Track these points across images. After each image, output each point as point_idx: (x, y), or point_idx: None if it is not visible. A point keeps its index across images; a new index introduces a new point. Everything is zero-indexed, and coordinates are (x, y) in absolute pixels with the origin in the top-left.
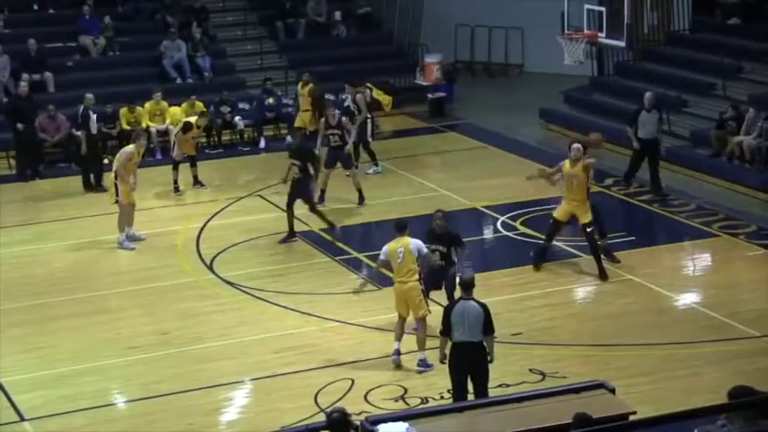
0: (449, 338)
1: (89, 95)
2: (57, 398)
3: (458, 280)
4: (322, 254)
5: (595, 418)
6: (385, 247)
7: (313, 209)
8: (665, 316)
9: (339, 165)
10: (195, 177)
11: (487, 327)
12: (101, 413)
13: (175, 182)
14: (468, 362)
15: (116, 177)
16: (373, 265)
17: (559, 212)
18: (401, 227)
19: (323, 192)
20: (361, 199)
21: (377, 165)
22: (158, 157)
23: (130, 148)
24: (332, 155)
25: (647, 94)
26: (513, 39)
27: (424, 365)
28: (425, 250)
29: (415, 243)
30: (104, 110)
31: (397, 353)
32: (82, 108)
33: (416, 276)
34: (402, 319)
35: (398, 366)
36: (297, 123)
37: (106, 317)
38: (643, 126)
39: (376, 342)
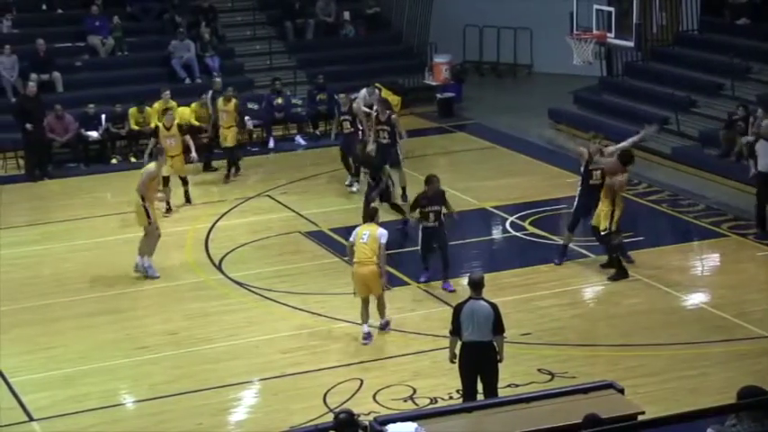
0: (458, 338)
1: (217, 79)
2: (65, 398)
3: (467, 280)
4: (330, 254)
5: (604, 418)
6: (354, 230)
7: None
8: (674, 316)
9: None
10: (186, 194)
11: (497, 326)
12: (109, 413)
13: (167, 202)
14: (478, 361)
15: (143, 200)
16: (347, 243)
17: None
18: (371, 215)
19: (403, 189)
20: (405, 196)
21: (358, 181)
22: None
23: (152, 166)
24: (381, 152)
25: (766, 122)
26: (521, 39)
27: (386, 325)
28: (384, 240)
29: (381, 231)
30: (113, 110)
31: (368, 336)
32: (211, 93)
33: (376, 260)
34: (366, 303)
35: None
36: (225, 143)
37: (114, 317)
38: (762, 157)
39: (385, 342)
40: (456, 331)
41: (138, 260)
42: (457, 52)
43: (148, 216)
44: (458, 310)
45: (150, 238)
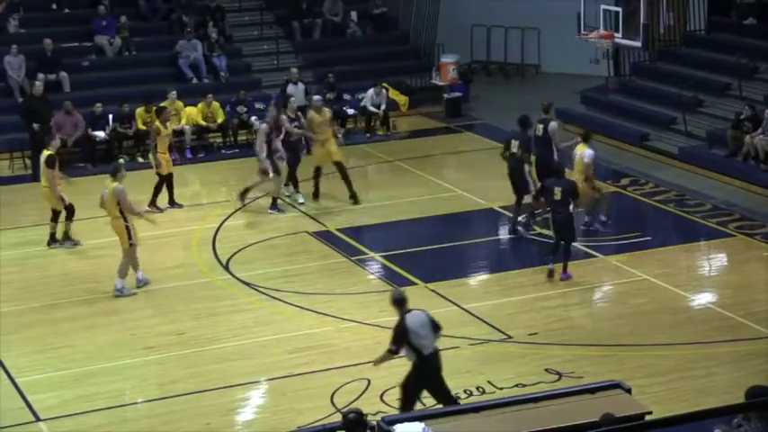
0: (418, 354)
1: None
2: (72, 398)
3: (390, 299)
4: (338, 254)
5: (616, 418)
6: None
7: None
8: (681, 316)
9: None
10: (51, 235)
11: (435, 325)
12: (116, 413)
13: (62, 234)
14: (439, 367)
15: (126, 220)
16: None
17: None
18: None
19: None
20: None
21: (298, 192)
22: (174, 157)
23: (120, 186)
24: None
25: None
26: (529, 39)
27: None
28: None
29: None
30: (120, 110)
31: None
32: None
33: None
34: None
35: None
36: (163, 171)
37: (122, 317)
38: None
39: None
40: (414, 349)
41: (118, 283)
42: (464, 52)
43: (130, 237)
44: (404, 328)
45: (130, 258)
